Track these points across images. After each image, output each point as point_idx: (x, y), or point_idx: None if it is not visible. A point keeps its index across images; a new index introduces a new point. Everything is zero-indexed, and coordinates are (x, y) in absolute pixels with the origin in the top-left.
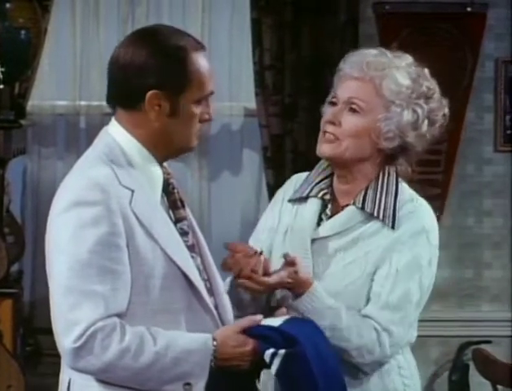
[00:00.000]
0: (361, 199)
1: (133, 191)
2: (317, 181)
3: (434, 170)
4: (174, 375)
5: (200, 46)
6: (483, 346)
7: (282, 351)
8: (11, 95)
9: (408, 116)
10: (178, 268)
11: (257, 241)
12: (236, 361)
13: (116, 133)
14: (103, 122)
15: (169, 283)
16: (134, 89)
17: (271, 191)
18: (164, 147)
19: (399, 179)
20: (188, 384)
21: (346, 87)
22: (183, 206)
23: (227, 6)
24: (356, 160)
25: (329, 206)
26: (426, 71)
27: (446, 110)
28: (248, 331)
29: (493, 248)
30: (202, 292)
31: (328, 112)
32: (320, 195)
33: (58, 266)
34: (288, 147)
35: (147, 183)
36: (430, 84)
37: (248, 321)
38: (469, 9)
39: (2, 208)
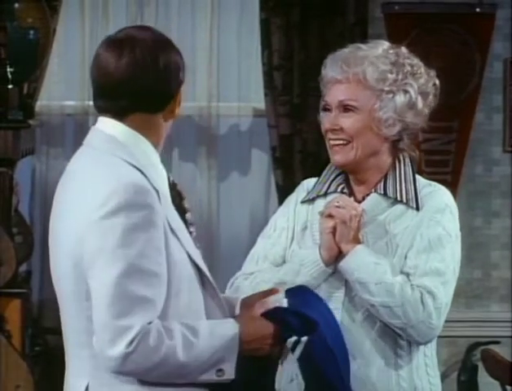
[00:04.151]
0: (382, 186)
1: (158, 191)
2: (332, 178)
3: (442, 170)
4: (210, 363)
5: None
6: (491, 347)
7: (304, 338)
8: (20, 95)
9: (400, 98)
10: (197, 268)
11: (268, 238)
12: (257, 344)
13: (129, 135)
14: None
15: (192, 283)
16: (167, 90)
17: (280, 191)
18: (162, 144)
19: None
20: (220, 370)
21: (333, 92)
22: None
23: (235, 6)
24: (368, 157)
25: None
26: (404, 49)
27: (436, 80)
28: (265, 315)
29: (502, 249)
30: (216, 288)
31: (324, 120)
32: (339, 189)
33: (104, 273)
34: (297, 147)
35: (162, 182)
36: (411, 61)
37: (261, 306)
38: (477, 9)
39: (10, 208)
